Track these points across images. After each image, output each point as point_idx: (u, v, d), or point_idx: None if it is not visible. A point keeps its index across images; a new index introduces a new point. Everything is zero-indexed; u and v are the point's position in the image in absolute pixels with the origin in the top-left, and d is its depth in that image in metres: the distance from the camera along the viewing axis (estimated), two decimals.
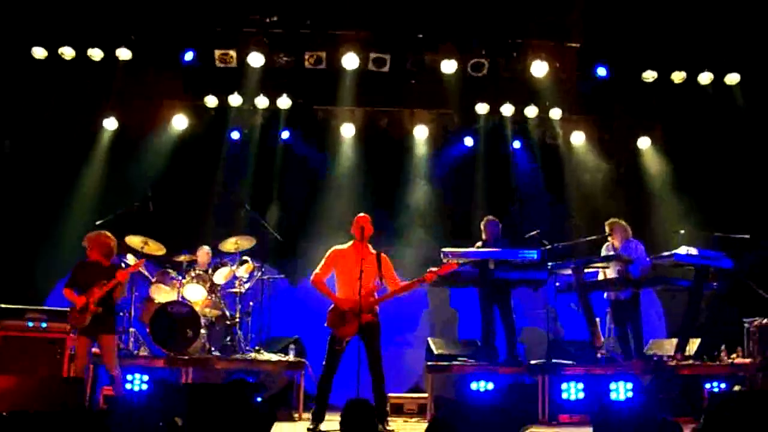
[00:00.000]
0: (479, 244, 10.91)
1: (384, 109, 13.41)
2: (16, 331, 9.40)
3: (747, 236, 10.91)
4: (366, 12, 11.96)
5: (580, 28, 12.23)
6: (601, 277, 10.93)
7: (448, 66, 12.29)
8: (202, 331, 10.59)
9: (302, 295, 12.16)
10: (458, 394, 10.40)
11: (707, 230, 11.30)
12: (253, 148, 13.36)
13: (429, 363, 10.51)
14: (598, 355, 10.46)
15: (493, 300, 10.59)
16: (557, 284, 10.87)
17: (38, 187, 12.60)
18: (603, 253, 10.89)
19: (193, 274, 11.02)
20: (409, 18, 12.10)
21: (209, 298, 10.98)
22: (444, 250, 10.44)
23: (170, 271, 11.14)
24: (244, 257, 11.26)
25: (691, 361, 10.36)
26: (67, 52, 12.06)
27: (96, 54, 12.08)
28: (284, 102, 12.94)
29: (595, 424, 7.01)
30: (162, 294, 10.96)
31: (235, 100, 12.86)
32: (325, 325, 8.57)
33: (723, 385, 10.10)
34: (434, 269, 8.84)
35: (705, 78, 12.52)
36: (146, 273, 10.93)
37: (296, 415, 9.97)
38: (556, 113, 13.12)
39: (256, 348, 10.90)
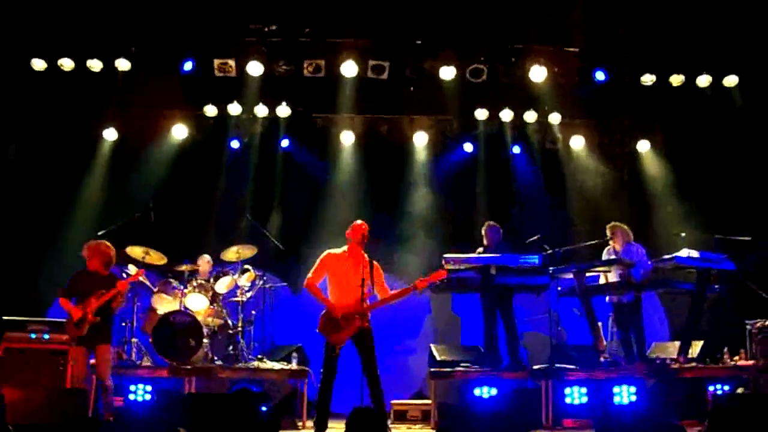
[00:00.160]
0: (480, 249, 10.92)
1: (383, 116, 13.42)
2: (18, 343, 9.40)
3: (748, 238, 10.92)
4: (364, 20, 11.98)
5: (578, 33, 12.24)
6: (602, 281, 10.93)
7: (447, 72, 12.31)
8: (205, 340, 10.59)
9: (304, 303, 12.12)
10: (462, 401, 10.39)
11: (708, 233, 11.31)
12: (254, 156, 13.38)
13: (432, 369, 10.52)
14: (601, 359, 10.46)
15: (496, 305, 10.60)
16: (559, 289, 10.87)
17: (39, 199, 12.62)
18: (604, 257, 10.89)
19: (194, 284, 11.02)
20: (408, 25, 12.13)
21: (211, 307, 10.99)
22: (445, 256, 10.44)
23: (172, 280, 11.14)
24: (246, 266, 11.27)
25: (694, 364, 10.35)
26: (67, 64, 12.07)
27: (95, 65, 12.10)
28: (284, 110, 12.95)
29: (599, 428, 7.01)
30: (164, 304, 10.96)
31: (234, 109, 12.88)
32: (317, 330, 8.56)
33: (726, 388, 10.08)
34: (423, 278, 8.84)
35: (704, 80, 12.52)
36: (148, 283, 10.94)
37: (300, 424, 9.97)
38: (555, 118, 13.14)
39: (259, 357, 10.90)
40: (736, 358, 10.45)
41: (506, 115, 13.09)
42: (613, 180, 13.44)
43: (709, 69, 12.48)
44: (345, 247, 8.82)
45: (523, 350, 10.91)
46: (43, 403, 8.11)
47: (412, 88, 12.82)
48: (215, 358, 10.75)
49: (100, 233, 10.53)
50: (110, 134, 12.89)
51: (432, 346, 11.03)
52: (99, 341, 8.76)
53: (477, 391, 10.06)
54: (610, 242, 10.87)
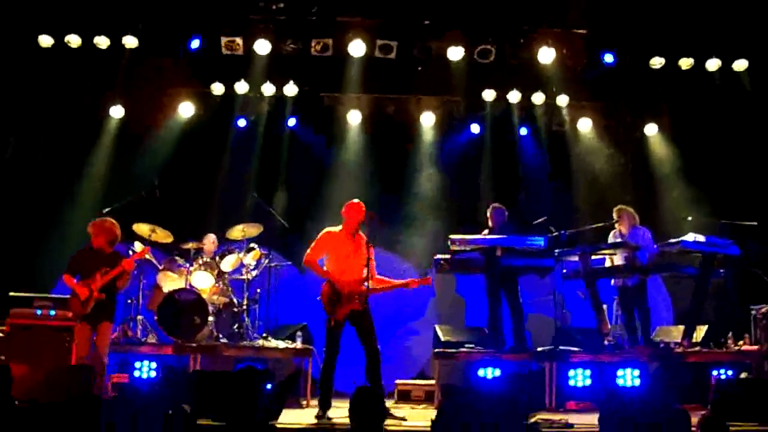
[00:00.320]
0: (486, 231, 10.90)
1: (391, 96, 13.38)
2: (24, 319, 9.40)
3: (754, 223, 10.90)
4: None
5: (587, 15, 12.18)
6: (608, 264, 10.91)
7: (455, 53, 12.26)
8: (210, 318, 10.62)
9: (309, 282, 12.13)
10: (465, 381, 10.41)
11: (714, 217, 11.30)
12: (260, 135, 13.36)
13: (436, 350, 10.54)
14: (605, 342, 10.47)
15: (500, 287, 10.60)
16: (564, 271, 10.87)
17: (45, 176, 12.63)
18: (610, 240, 10.89)
19: (200, 262, 11.04)
20: (416, 5, 12.08)
21: (217, 285, 11.01)
22: (451, 237, 10.45)
23: (178, 258, 11.16)
24: (251, 244, 11.29)
25: (698, 348, 10.36)
26: (74, 40, 12.03)
27: (102, 42, 12.06)
28: (291, 89, 12.92)
29: (602, 411, 7.02)
30: (169, 282, 10.99)
31: (241, 87, 12.85)
32: (319, 299, 8.60)
33: (730, 372, 10.09)
34: (416, 279, 9.02)
35: (713, 64, 12.45)
36: (154, 260, 10.96)
37: (304, 402, 10.00)
38: (563, 100, 13.09)
39: (264, 335, 10.93)
40: (741, 343, 10.44)
41: (514, 96, 13.05)
42: (620, 163, 13.40)
43: (718, 53, 12.41)
44: (341, 227, 8.81)
45: (527, 332, 10.91)
46: (47, 380, 8.16)
47: (419, 69, 12.77)
48: (220, 336, 10.79)
49: (105, 210, 10.53)
50: (117, 112, 12.87)
51: (436, 326, 11.05)
52: (102, 319, 8.79)
53: (480, 372, 10.10)
54: (616, 225, 10.85)
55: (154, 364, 10.11)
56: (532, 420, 7.95)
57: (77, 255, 9.03)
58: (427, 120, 13.34)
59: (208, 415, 7.37)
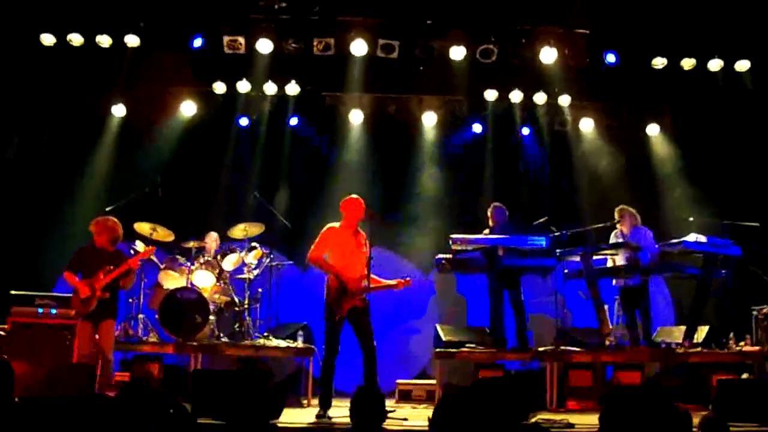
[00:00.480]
0: (487, 231, 10.90)
1: (392, 95, 13.37)
2: (25, 318, 9.40)
3: (756, 224, 10.90)
4: None
5: (588, 15, 12.17)
6: (609, 264, 10.91)
7: (457, 52, 12.25)
8: (211, 317, 10.63)
9: (311, 282, 12.14)
10: (466, 381, 10.42)
11: (716, 218, 11.29)
12: (262, 134, 13.36)
13: (437, 349, 10.53)
14: (607, 342, 10.47)
15: (502, 286, 10.60)
16: (566, 271, 10.87)
17: (47, 174, 12.64)
18: (612, 240, 10.88)
19: (201, 261, 11.04)
20: (418, 4, 12.08)
21: (218, 284, 11.02)
22: (452, 236, 10.45)
23: (179, 257, 11.17)
24: (253, 243, 11.29)
25: (699, 349, 10.35)
26: (76, 39, 12.04)
27: (104, 41, 12.07)
28: (293, 88, 12.92)
29: (603, 411, 7.01)
30: (171, 280, 11.00)
31: (243, 86, 12.85)
32: (325, 296, 8.55)
33: (731, 373, 10.09)
34: (402, 280, 8.88)
35: (715, 65, 12.45)
36: (155, 259, 10.96)
37: (305, 401, 10.00)
38: (565, 100, 13.08)
39: (265, 334, 10.93)
40: (742, 343, 10.44)
41: (516, 96, 13.04)
42: (622, 163, 13.37)
43: (721, 53, 12.40)
44: (341, 223, 8.80)
45: (528, 332, 10.91)
46: (49, 378, 8.16)
47: (421, 68, 12.77)
48: (221, 335, 10.79)
49: (107, 209, 10.55)
50: (119, 110, 12.88)
51: (437, 326, 11.05)
52: (105, 317, 8.79)
53: (482, 372, 10.10)
54: (618, 225, 10.85)
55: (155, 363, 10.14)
56: (533, 420, 7.95)
57: (79, 252, 9.02)
58: (429, 120, 13.34)
59: (208, 413, 7.38)
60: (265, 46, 12.16)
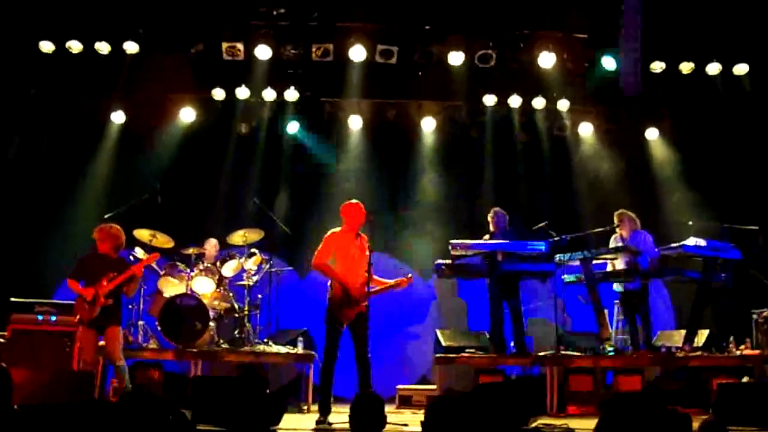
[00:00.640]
0: (487, 236, 10.90)
1: (391, 101, 13.37)
2: (25, 325, 9.40)
3: (755, 227, 10.91)
4: (373, 4, 11.97)
5: (587, 19, 12.19)
6: (609, 268, 10.91)
7: (456, 58, 12.27)
8: (211, 323, 10.62)
9: (310, 287, 12.17)
10: (467, 386, 10.41)
11: (716, 221, 11.30)
12: (261, 140, 13.36)
13: (437, 354, 10.53)
14: (606, 347, 10.46)
15: (502, 292, 10.59)
16: (565, 276, 10.86)
17: (46, 181, 12.64)
18: (611, 244, 10.88)
19: (201, 267, 11.04)
20: (417, 10, 12.09)
21: (218, 290, 11.01)
22: (452, 242, 10.44)
23: (179, 264, 11.16)
24: (253, 250, 11.28)
25: (699, 353, 10.35)
26: (75, 46, 12.06)
27: (103, 48, 12.09)
28: (292, 94, 12.93)
29: (602, 415, 7.00)
30: (170, 287, 10.99)
31: (242, 92, 12.85)
32: (329, 303, 8.51)
33: (731, 377, 10.09)
34: (400, 279, 8.86)
35: (713, 69, 12.47)
36: (155, 266, 10.96)
37: (305, 407, 9.99)
38: (563, 104, 13.08)
39: (265, 340, 10.92)
40: (742, 347, 10.43)
41: (514, 101, 13.05)
42: (621, 167, 13.38)
43: (719, 57, 12.41)
44: (343, 228, 8.78)
45: (528, 337, 10.90)
46: (49, 385, 8.16)
47: (420, 74, 12.79)
48: (221, 341, 10.79)
49: (107, 216, 10.56)
50: (118, 117, 12.89)
51: (438, 331, 11.04)
52: (109, 323, 8.78)
53: (482, 377, 10.09)
54: (617, 229, 10.85)
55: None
56: (533, 425, 7.95)
57: (83, 260, 9.02)
58: (428, 125, 13.35)
59: (208, 420, 7.38)
60: (264, 52, 12.17)
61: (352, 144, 13.46)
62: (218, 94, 12.94)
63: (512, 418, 7.46)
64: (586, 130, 13.41)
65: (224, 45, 12.18)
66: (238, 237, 11.37)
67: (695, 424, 5.76)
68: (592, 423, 7.82)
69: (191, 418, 6.58)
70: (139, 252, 10.63)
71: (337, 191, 12.90)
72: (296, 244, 12.48)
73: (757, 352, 10.25)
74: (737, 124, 12.56)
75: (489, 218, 11.00)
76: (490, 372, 10.27)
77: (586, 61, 12.64)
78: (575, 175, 13.53)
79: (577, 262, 10.65)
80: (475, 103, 13.19)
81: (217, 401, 7.73)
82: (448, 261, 10.64)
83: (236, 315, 11.09)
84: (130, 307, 10.83)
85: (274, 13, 12.07)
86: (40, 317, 9.46)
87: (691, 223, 11.27)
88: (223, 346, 10.68)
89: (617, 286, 10.89)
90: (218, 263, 11.18)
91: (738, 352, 10.35)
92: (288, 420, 8.42)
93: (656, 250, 10.56)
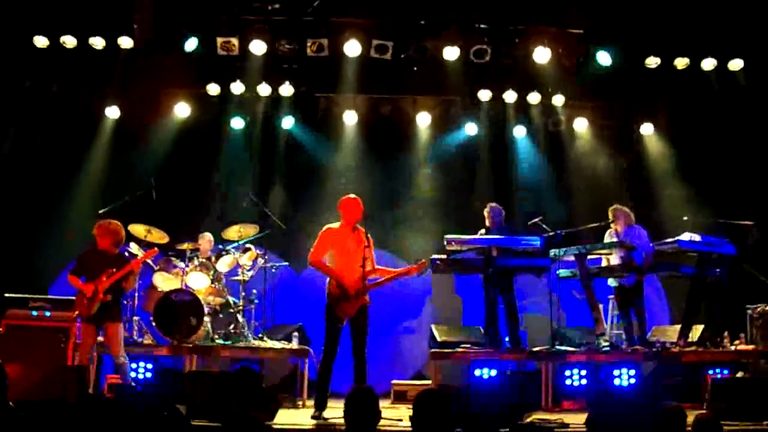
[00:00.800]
0: (482, 231, 10.90)
1: (386, 96, 13.37)
2: (19, 320, 9.38)
3: (750, 222, 10.92)
4: None
5: (582, 14, 12.18)
6: (604, 263, 10.91)
7: (451, 53, 12.24)
8: (206, 319, 10.61)
9: (305, 283, 12.18)
10: (462, 381, 10.42)
11: (711, 216, 11.30)
12: (256, 136, 13.36)
13: (432, 350, 10.53)
14: (601, 342, 10.47)
15: (497, 287, 10.59)
16: (560, 271, 10.87)
17: (41, 176, 12.62)
18: (606, 239, 10.88)
19: (196, 262, 11.03)
20: (412, 5, 12.08)
21: (213, 286, 11.00)
22: (447, 236, 10.44)
23: (173, 259, 11.15)
24: (247, 245, 11.28)
25: (694, 348, 10.36)
26: (69, 41, 12.03)
27: (98, 43, 12.05)
28: (286, 89, 12.92)
29: (594, 410, 7.03)
30: (165, 282, 10.98)
31: (237, 87, 12.83)
32: (327, 300, 8.50)
33: (726, 372, 10.11)
34: (412, 266, 8.81)
35: (708, 64, 12.47)
36: (150, 261, 10.95)
37: (300, 402, 10.00)
38: (558, 99, 13.08)
39: (260, 336, 10.93)
40: (736, 342, 10.45)
41: (509, 96, 13.05)
42: (616, 162, 13.40)
43: (714, 52, 12.41)
44: (340, 223, 8.76)
45: (522, 332, 10.91)
46: (43, 381, 8.15)
47: (415, 69, 12.77)
48: (216, 336, 10.78)
49: (101, 211, 10.56)
50: (112, 112, 12.85)
51: (433, 326, 11.05)
52: (108, 319, 8.80)
53: (477, 372, 10.11)
54: (612, 225, 10.84)
55: (149, 365, 10.14)
56: (528, 420, 7.96)
57: (83, 256, 9.04)
58: (423, 120, 13.35)
59: (203, 415, 7.37)
60: (258, 47, 12.14)
61: (347, 139, 13.44)
62: (213, 89, 12.92)
63: (507, 413, 7.48)
64: (581, 125, 13.41)
65: (219, 40, 12.14)
66: (232, 232, 11.37)
67: (690, 419, 5.78)
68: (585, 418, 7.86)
69: (186, 413, 6.58)
70: (133, 247, 10.61)
71: (332, 186, 12.91)
72: (291, 240, 12.47)
73: (751, 347, 10.25)
74: (732, 119, 12.55)
75: (485, 213, 11.00)
76: (485, 367, 10.26)
77: (581, 57, 12.62)
78: (570, 171, 13.53)
79: (572, 258, 10.65)
80: (470, 98, 13.18)
81: (212, 396, 7.73)
82: (444, 256, 10.64)
83: (231, 310, 11.08)
84: (125, 302, 10.80)
85: (269, 8, 12.04)
86: (34, 312, 9.43)
87: (686, 218, 11.27)
88: (218, 341, 10.67)
89: (612, 282, 10.90)
90: (213, 258, 11.17)
91: (733, 348, 10.37)
92: (283, 415, 8.42)
93: (651, 245, 10.57)
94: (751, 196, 12.17)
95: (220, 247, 11.37)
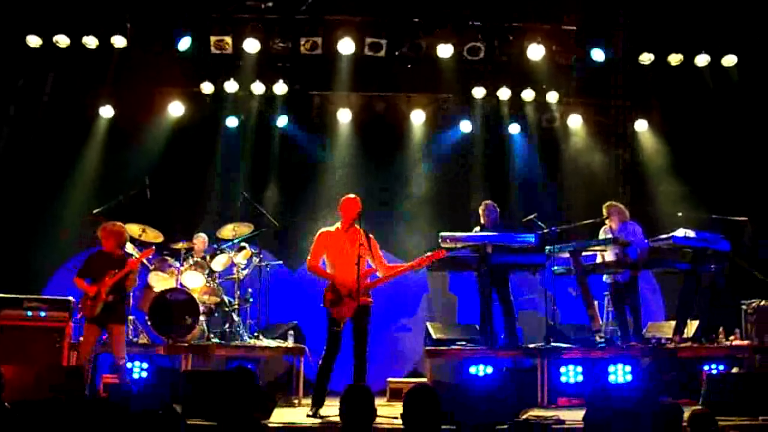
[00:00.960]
0: (477, 228, 10.90)
1: (381, 94, 13.37)
2: (14, 321, 9.39)
3: (744, 218, 10.93)
4: None
5: (576, 11, 12.19)
6: (599, 260, 10.92)
7: (445, 50, 12.24)
8: (201, 318, 10.60)
9: (300, 281, 12.16)
10: (457, 379, 10.42)
11: (705, 212, 11.31)
12: (250, 134, 13.34)
13: (428, 347, 10.52)
14: (597, 339, 10.48)
15: (491, 284, 10.58)
16: (555, 268, 10.87)
17: (35, 176, 12.59)
18: (601, 236, 10.88)
19: (191, 262, 11.02)
20: (405, 3, 12.08)
21: (208, 285, 10.99)
22: (442, 234, 10.42)
23: (168, 258, 11.14)
24: (242, 244, 11.27)
25: (689, 343, 10.37)
26: (62, 40, 12.00)
27: (91, 42, 12.03)
28: (280, 88, 12.91)
29: (589, 406, 7.03)
30: (160, 281, 10.97)
31: (231, 86, 12.82)
32: (322, 305, 8.53)
33: (721, 367, 10.13)
34: (424, 257, 8.85)
35: (702, 60, 12.48)
36: (144, 261, 10.93)
37: (296, 401, 9.99)
38: (552, 96, 13.09)
39: (255, 334, 10.92)
40: (731, 337, 10.46)
41: (504, 93, 13.05)
42: (611, 159, 13.41)
43: (707, 48, 12.42)
44: (338, 224, 8.78)
45: (518, 329, 10.91)
46: (39, 381, 8.13)
47: (409, 66, 12.77)
48: (211, 335, 10.77)
49: (95, 211, 10.55)
50: (106, 111, 12.83)
51: (428, 323, 11.04)
52: (112, 320, 8.86)
53: (472, 370, 10.10)
54: (607, 221, 10.85)
55: (145, 365, 10.12)
56: (524, 416, 7.96)
57: (88, 259, 9.11)
58: (418, 118, 13.35)
59: (199, 414, 7.36)
60: (252, 45, 12.13)
61: (342, 137, 13.44)
62: (207, 88, 12.91)
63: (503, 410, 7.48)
64: (575, 122, 13.42)
65: (212, 39, 12.13)
66: (227, 231, 11.36)
67: (686, 415, 5.79)
68: (582, 415, 7.87)
69: (182, 412, 6.57)
70: (128, 247, 10.59)
71: (326, 185, 12.92)
72: (285, 238, 12.47)
73: (746, 342, 10.27)
74: (726, 115, 12.57)
75: (480, 211, 10.98)
76: (480, 364, 10.25)
77: (575, 54, 12.62)
78: (564, 167, 13.54)
79: (567, 254, 10.66)
80: (464, 96, 13.18)
81: (208, 395, 7.72)
82: None
83: (226, 309, 11.08)
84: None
85: (262, 6, 12.06)
86: (29, 313, 9.44)
87: (680, 214, 11.28)
88: (213, 340, 10.66)
89: (607, 278, 10.90)
90: (208, 257, 11.17)
91: (728, 343, 10.38)
92: (279, 413, 8.42)
93: (645, 241, 10.57)
94: (746, 191, 12.17)
95: (215, 246, 11.36)
